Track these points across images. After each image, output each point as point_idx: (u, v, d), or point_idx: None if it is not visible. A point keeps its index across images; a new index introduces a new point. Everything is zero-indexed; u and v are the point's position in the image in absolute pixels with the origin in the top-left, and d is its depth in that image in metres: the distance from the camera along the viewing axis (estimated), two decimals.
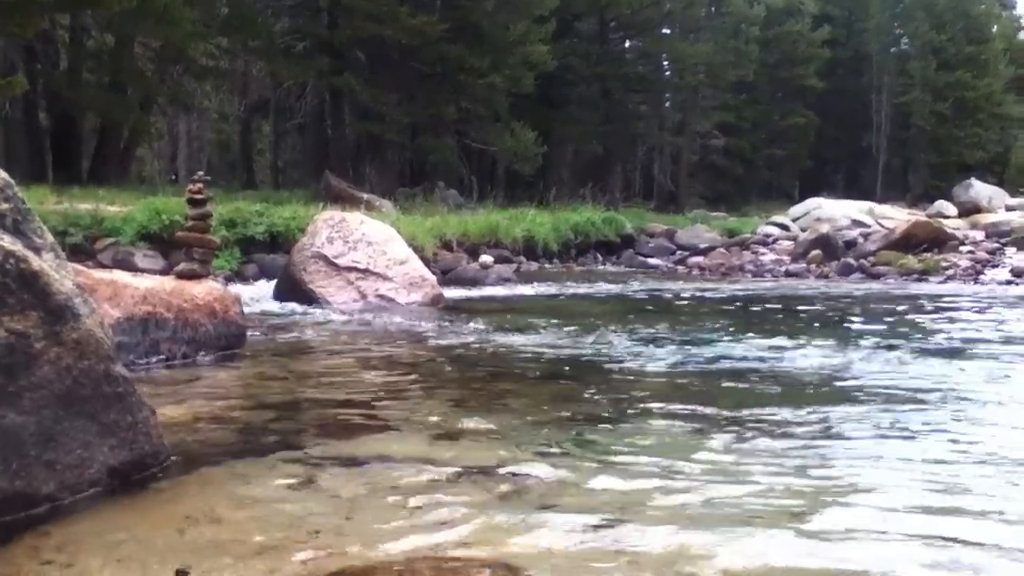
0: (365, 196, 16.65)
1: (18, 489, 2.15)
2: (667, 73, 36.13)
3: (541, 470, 2.62)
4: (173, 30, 17.64)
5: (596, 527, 2.08)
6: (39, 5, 14.46)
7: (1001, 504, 2.32)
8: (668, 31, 34.13)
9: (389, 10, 20.47)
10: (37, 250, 2.41)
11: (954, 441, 3.08)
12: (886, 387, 4.08)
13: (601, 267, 16.12)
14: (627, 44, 34.29)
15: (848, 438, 3.13)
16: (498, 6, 23.41)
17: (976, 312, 8.08)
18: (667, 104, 37.14)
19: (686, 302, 9.44)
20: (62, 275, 2.44)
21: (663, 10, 31.67)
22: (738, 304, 9.04)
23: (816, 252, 14.81)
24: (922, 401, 3.78)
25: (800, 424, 3.31)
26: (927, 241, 14.79)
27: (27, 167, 18.68)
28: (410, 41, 21.14)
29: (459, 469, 2.63)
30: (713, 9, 35.35)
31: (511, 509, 2.26)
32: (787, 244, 16.97)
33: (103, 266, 8.67)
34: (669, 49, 33.42)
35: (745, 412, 3.52)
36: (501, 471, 2.61)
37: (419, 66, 22.89)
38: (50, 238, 2.56)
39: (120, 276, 4.74)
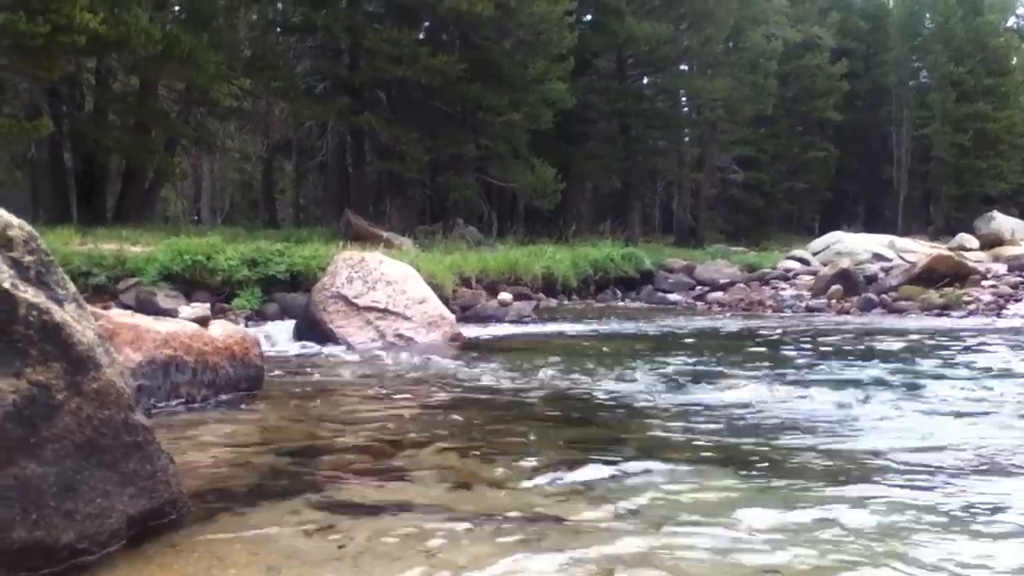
0: (385, 234, 16.78)
1: (37, 539, 2.17)
2: (685, 109, 36.34)
3: (559, 517, 2.61)
4: (197, 72, 17.97)
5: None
6: (65, 49, 14.78)
7: None
8: (686, 67, 34.35)
9: (409, 51, 20.74)
10: (60, 301, 2.45)
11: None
12: (911, 430, 4.04)
13: (620, 303, 16.08)
14: (645, 81, 34.49)
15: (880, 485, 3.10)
16: (517, 46, 23.67)
17: (1001, 349, 7.99)
18: (686, 139, 37.27)
19: (707, 339, 9.40)
20: (84, 325, 2.48)
21: (680, 47, 31.84)
22: (758, 340, 8.99)
23: (836, 287, 14.71)
24: (935, 448, 3.74)
25: (829, 468, 3.28)
26: (949, 275, 14.64)
27: (52, 208, 18.98)
28: (430, 81, 21.38)
29: (477, 515, 2.62)
30: (731, 45, 35.51)
31: (528, 557, 2.26)
32: (807, 279, 16.87)
33: (125, 306, 8.76)
34: (687, 85, 33.62)
35: (765, 456, 3.49)
36: (519, 518, 2.60)
37: (439, 105, 23.12)
38: (72, 288, 2.60)
39: (142, 320, 4.79)
